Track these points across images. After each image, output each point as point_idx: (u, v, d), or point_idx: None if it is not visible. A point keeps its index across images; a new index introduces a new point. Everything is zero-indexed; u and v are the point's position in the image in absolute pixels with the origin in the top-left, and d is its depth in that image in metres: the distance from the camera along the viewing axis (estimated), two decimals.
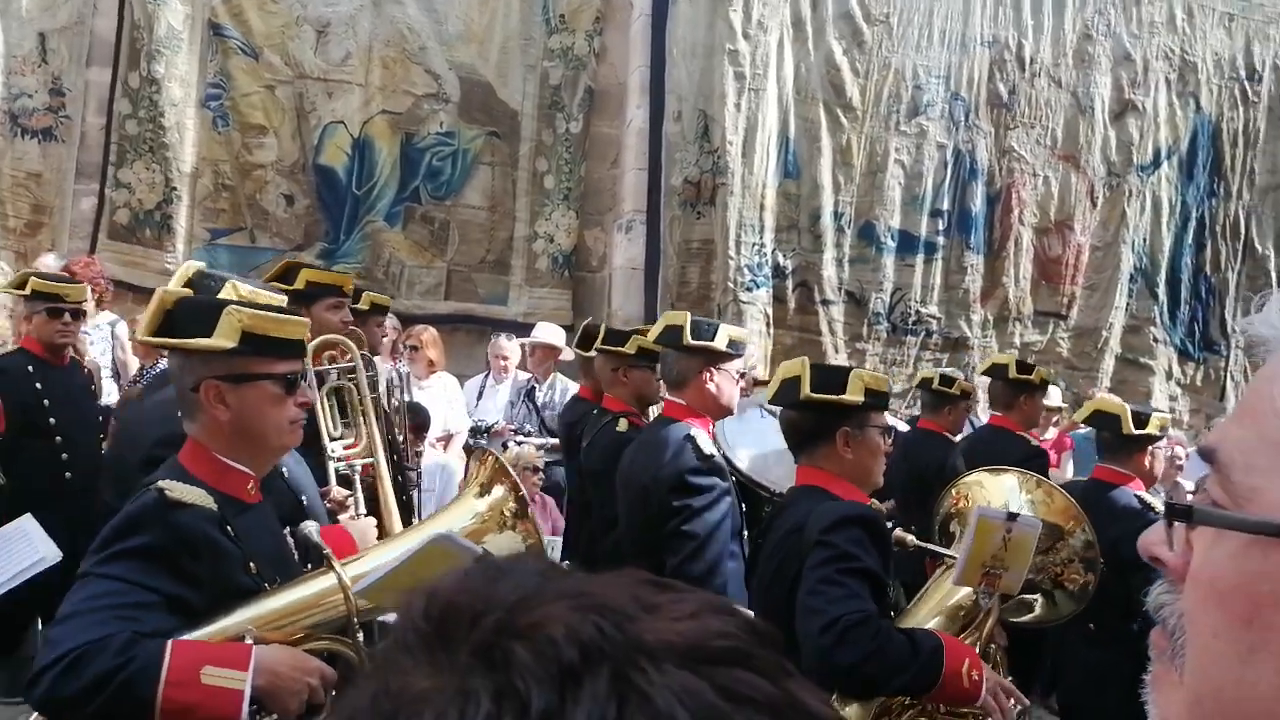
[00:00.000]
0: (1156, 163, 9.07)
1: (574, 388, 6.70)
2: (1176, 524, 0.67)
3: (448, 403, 6.28)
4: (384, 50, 7.46)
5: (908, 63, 8.30)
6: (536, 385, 6.61)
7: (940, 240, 8.60)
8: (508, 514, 2.27)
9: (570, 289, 7.89)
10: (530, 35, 7.72)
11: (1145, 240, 9.15)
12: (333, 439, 3.43)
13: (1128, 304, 9.12)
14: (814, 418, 2.66)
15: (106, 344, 6.33)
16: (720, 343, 3.26)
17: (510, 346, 6.71)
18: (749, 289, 7.95)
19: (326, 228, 7.55)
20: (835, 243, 8.29)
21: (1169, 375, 9.28)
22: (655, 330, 3.57)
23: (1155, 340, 9.24)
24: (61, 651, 1.66)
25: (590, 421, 4.51)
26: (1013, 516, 2.51)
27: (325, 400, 3.45)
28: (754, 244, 7.96)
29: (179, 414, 2.08)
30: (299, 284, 3.41)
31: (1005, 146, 8.69)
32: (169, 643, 1.72)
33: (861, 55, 8.18)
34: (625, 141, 7.93)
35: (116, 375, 6.33)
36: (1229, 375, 9.37)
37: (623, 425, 4.16)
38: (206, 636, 1.81)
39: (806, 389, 2.61)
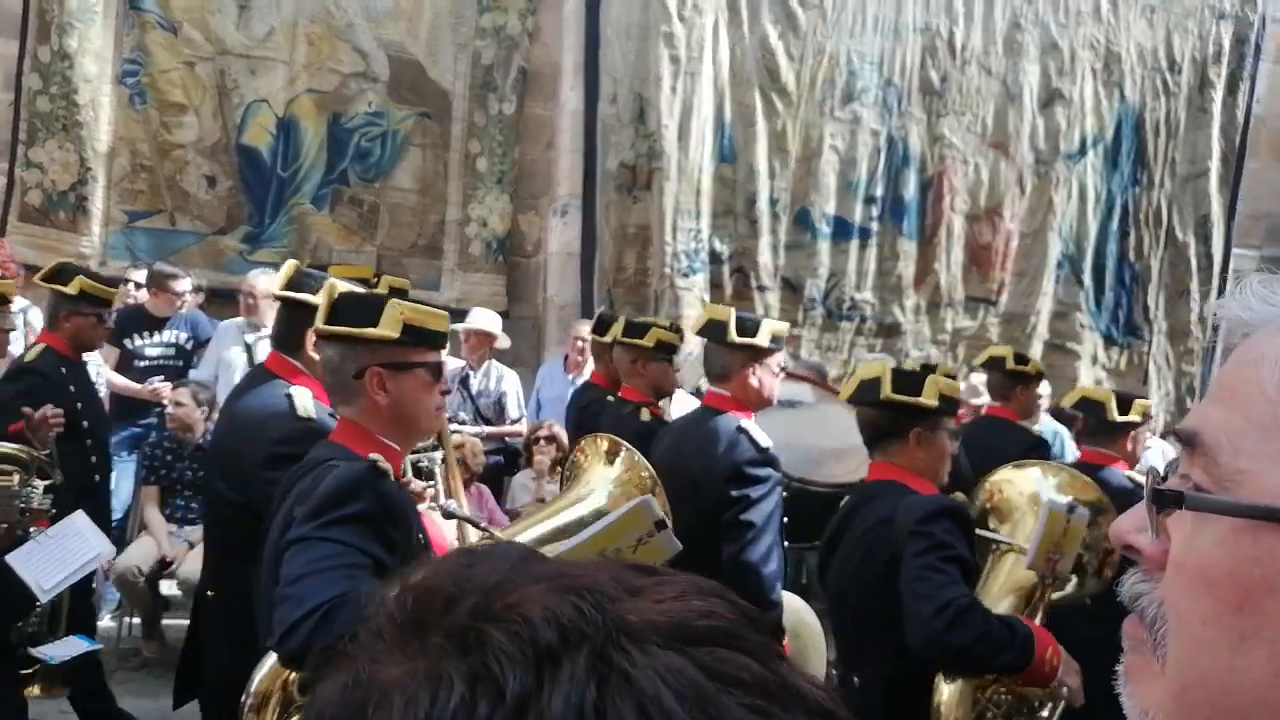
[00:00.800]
0: (1083, 151, 9.23)
1: (509, 374, 6.62)
2: (1160, 510, 0.65)
3: None
4: (309, 27, 7.22)
5: (842, 48, 8.32)
6: (471, 373, 6.49)
7: (874, 226, 8.65)
8: (646, 479, 2.47)
9: (505, 274, 7.76)
10: (461, 14, 7.54)
11: (1072, 228, 9.31)
12: None
13: (1055, 290, 9.28)
14: (891, 416, 2.87)
15: (20, 331, 6.05)
16: (763, 339, 3.42)
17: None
18: (686, 275, 7.90)
19: (250, 210, 7.30)
20: (771, 229, 8.29)
21: (1094, 360, 9.48)
22: (698, 323, 3.69)
23: (1081, 326, 9.42)
24: (311, 606, 1.77)
25: (607, 410, 4.60)
26: (1073, 508, 2.77)
27: None
28: (690, 229, 7.92)
29: (293, 411, 2.56)
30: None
31: (937, 133, 8.77)
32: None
33: (796, 40, 8.17)
34: (560, 124, 7.81)
35: None
36: (1151, 360, 9.60)
37: (646, 416, 4.32)
38: None
39: (887, 390, 2.82)
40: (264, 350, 5.82)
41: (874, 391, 2.86)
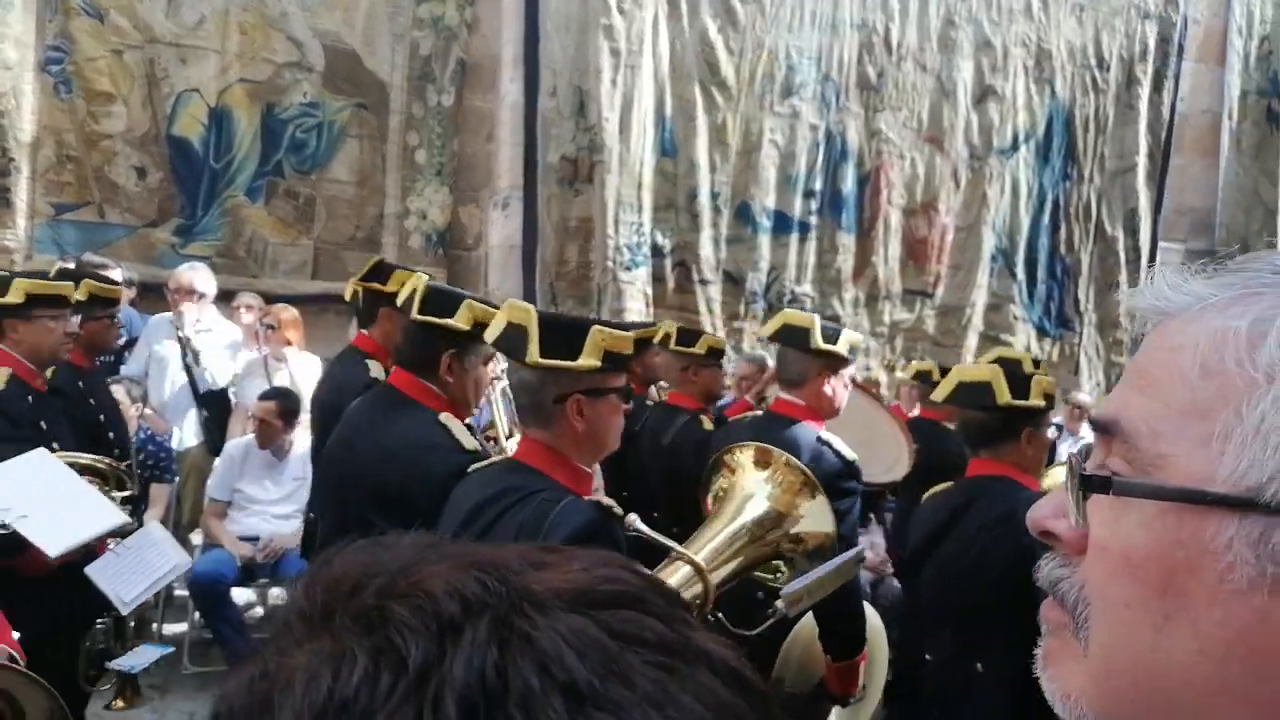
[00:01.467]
0: (1015, 146, 9.41)
1: None
2: (1085, 496, 0.66)
3: (306, 384, 6.04)
4: (241, 15, 7.07)
5: (780, 43, 8.38)
6: None
7: (813, 220, 8.73)
8: (798, 483, 2.53)
9: (445, 267, 7.67)
10: (399, 3, 7.44)
11: (1005, 221, 9.49)
12: (508, 438, 3.66)
13: (989, 283, 9.46)
14: (1003, 419, 2.93)
15: None
16: (843, 348, 3.37)
17: None
18: (628, 268, 7.90)
19: (182, 203, 7.14)
20: (712, 222, 8.32)
21: (1027, 351, 9.68)
22: (772, 326, 3.58)
23: (1015, 318, 9.61)
24: None
25: (654, 417, 4.63)
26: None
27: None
28: (632, 223, 7.92)
29: (457, 443, 2.68)
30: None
31: (874, 128, 8.88)
32: None
33: (736, 34, 8.21)
34: (499, 116, 7.75)
35: None
36: (1082, 351, 9.83)
37: (707, 424, 4.32)
38: None
39: (1006, 396, 2.88)
40: (205, 346, 5.71)
41: (983, 396, 2.92)
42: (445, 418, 2.84)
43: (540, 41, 7.60)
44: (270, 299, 6.42)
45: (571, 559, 0.53)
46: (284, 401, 5.35)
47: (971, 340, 9.38)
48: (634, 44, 7.78)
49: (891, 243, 9.07)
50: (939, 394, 3.15)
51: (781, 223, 8.62)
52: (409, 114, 7.56)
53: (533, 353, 2.18)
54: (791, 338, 3.41)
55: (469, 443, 2.81)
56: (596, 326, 2.23)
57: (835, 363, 3.36)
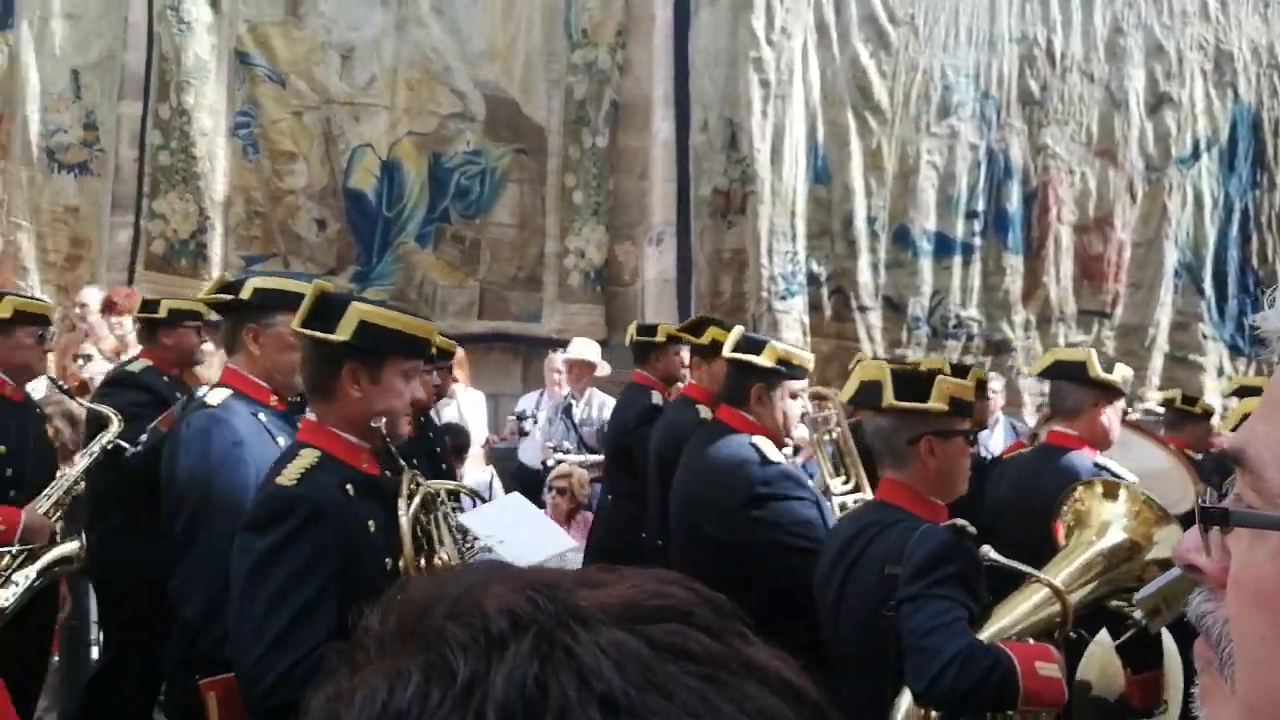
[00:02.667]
0: (1196, 155, 8.89)
1: (611, 402, 6.66)
2: (1212, 529, 0.65)
3: (473, 419, 6.26)
4: (408, 72, 7.50)
5: (935, 63, 8.22)
6: (574, 402, 6.56)
7: (977, 241, 8.47)
8: (1153, 516, 2.69)
9: (603, 304, 7.84)
10: (553, 50, 7.73)
11: (1189, 235, 8.95)
12: (831, 478, 4.11)
13: (1173, 300, 8.92)
14: None
15: None
16: (1118, 378, 3.53)
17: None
18: (783, 298, 7.86)
19: (358, 251, 7.58)
20: (870, 248, 8.20)
21: (1220, 372, 9.04)
22: (1043, 364, 3.84)
23: (1204, 337, 9.02)
24: (951, 653, 2.10)
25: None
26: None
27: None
28: (786, 252, 7.88)
29: (763, 457, 3.10)
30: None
31: (1040, 144, 8.56)
32: (1001, 646, 2.19)
33: (888, 57, 8.11)
34: (652, 154, 7.89)
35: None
36: None
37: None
38: None
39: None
40: None
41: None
42: (758, 438, 3.26)
43: (690, 78, 7.71)
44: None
45: (627, 578, 0.54)
46: (454, 437, 5.56)
47: (1157, 362, 8.84)
48: (784, 74, 7.80)
49: (1063, 262, 8.69)
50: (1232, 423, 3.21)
51: (943, 245, 8.40)
52: (566, 156, 7.80)
53: (888, 397, 2.46)
54: (1067, 371, 3.58)
55: (774, 456, 3.23)
56: (941, 375, 2.54)
57: (1111, 394, 3.49)
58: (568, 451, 6.36)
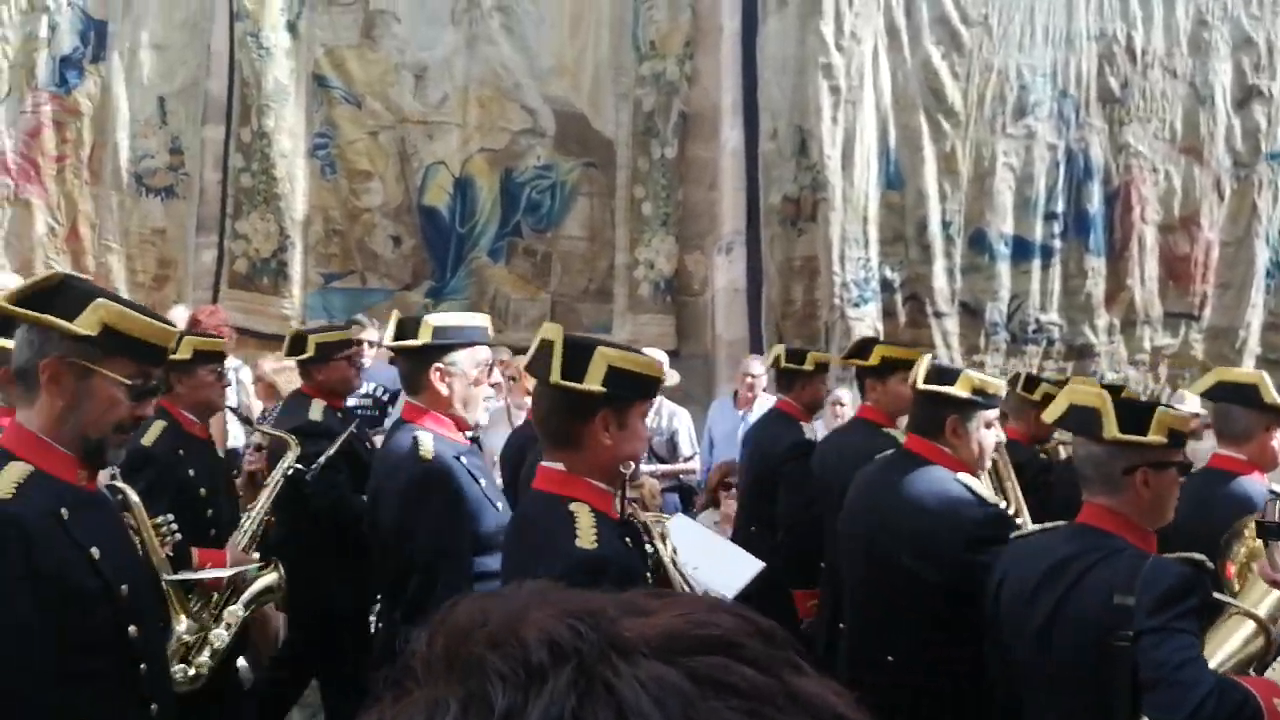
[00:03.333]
0: None
1: (681, 412, 6.66)
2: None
3: None
4: (480, 90, 7.62)
5: (1010, 63, 8.05)
6: None
7: (1057, 244, 8.27)
8: None
9: (673, 314, 7.85)
10: (621, 64, 7.78)
11: None
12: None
13: (1265, 301, 8.58)
14: None
15: (232, 388, 6.56)
16: None
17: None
18: (856, 305, 7.77)
19: (433, 266, 7.73)
20: (945, 252, 8.05)
21: None
22: (1206, 383, 3.75)
23: None
24: (1208, 688, 2.13)
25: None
26: None
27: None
28: (859, 258, 7.79)
29: (979, 499, 3.06)
30: None
31: (1121, 143, 8.32)
32: (1248, 686, 2.21)
33: (961, 59, 7.97)
34: (721, 163, 7.88)
35: (244, 420, 6.55)
36: None
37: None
38: None
39: None
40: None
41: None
42: (964, 477, 3.18)
43: (759, 87, 7.68)
44: (514, 352, 6.79)
45: (675, 604, 0.53)
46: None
47: (1248, 364, 8.50)
48: (854, 79, 7.72)
49: (1148, 263, 8.42)
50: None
51: (1021, 249, 8.21)
52: (635, 168, 7.84)
53: (1110, 429, 2.45)
54: (1236, 394, 3.52)
55: (989, 496, 3.21)
56: (1163, 408, 2.51)
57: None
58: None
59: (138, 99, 7.39)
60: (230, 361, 6.59)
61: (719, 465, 6.18)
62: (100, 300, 2.03)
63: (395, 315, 3.28)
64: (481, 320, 3.26)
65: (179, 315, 6.61)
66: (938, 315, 8.04)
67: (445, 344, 3.03)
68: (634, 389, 2.25)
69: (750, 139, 7.69)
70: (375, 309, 7.56)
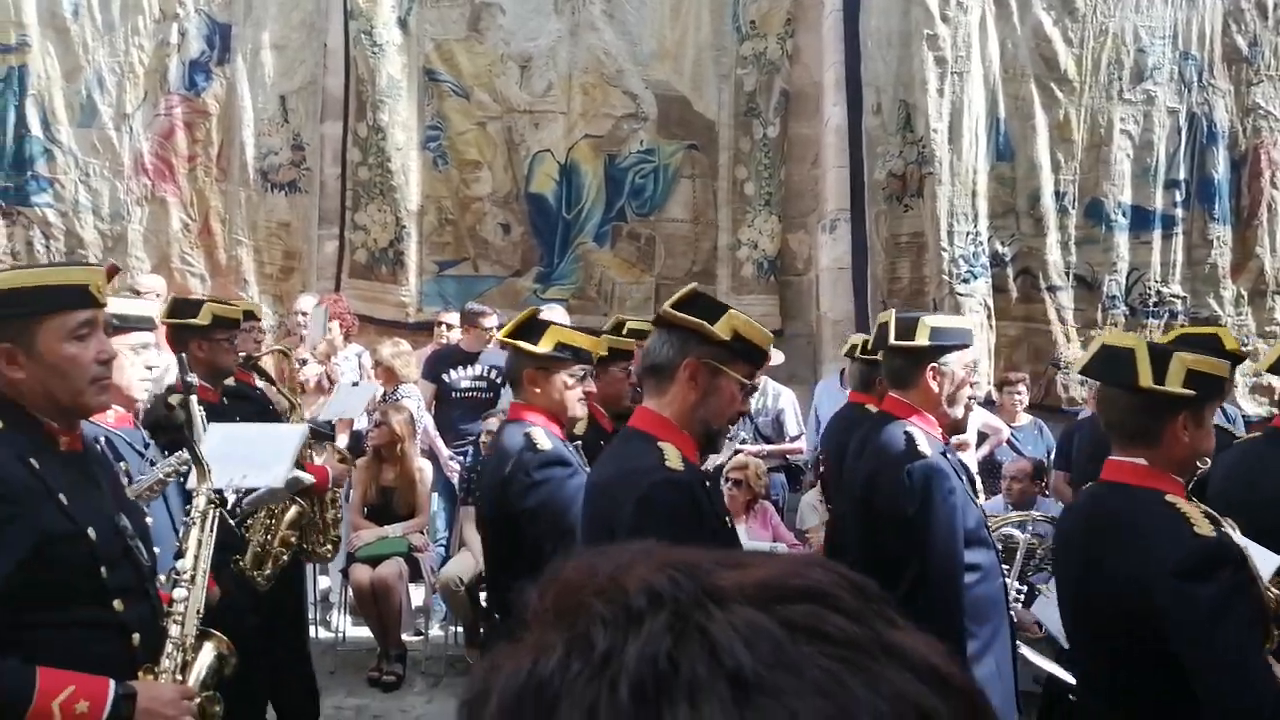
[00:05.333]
0: None
1: (786, 392, 6.68)
2: None
3: None
4: (583, 77, 7.75)
5: (1127, 25, 7.75)
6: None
7: (1179, 213, 7.95)
8: None
9: (777, 294, 7.87)
10: (722, 45, 7.79)
11: None
12: None
13: None
14: None
15: (355, 374, 6.88)
16: None
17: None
18: (965, 280, 7.64)
19: (541, 253, 7.91)
20: (1059, 225, 7.84)
21: None
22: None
23: None
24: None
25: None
26: None
27: None
28: (968, 233, 7.65)
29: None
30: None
31: (1249, 105, 7.93)
32: None
33: (1074, 23, 7.71)
34: (824, 140, 7.83)
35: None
36: None
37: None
38: None
39: None
40: None
41: None
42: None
43: (862, 61, 7.59)
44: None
45: (769, 561, 0.56)
46: None
47: None
48: (960, 49, 7.56)
49: (1278, 231, 8.04)
50: None
51: (1140, 219, 7.92)
52: (737, 149, 7.86)
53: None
54: None
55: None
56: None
57: None
58: (744, 442, 6.42)
59: (260, 98, 7.75)
60: (354, 348, 6.96)
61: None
62: (731, 311, 2.39)
63: (889, 314, 3.38)
64: (969, 323, 3.58)
65: (308, 304, 6.96)
66: (1051, 289, 7.84)
67: (942, 345, 3.19)
68: (1212, 389, 2.44)
69: (853, 115, 7.61)
70: (487, 295, 7.80)
